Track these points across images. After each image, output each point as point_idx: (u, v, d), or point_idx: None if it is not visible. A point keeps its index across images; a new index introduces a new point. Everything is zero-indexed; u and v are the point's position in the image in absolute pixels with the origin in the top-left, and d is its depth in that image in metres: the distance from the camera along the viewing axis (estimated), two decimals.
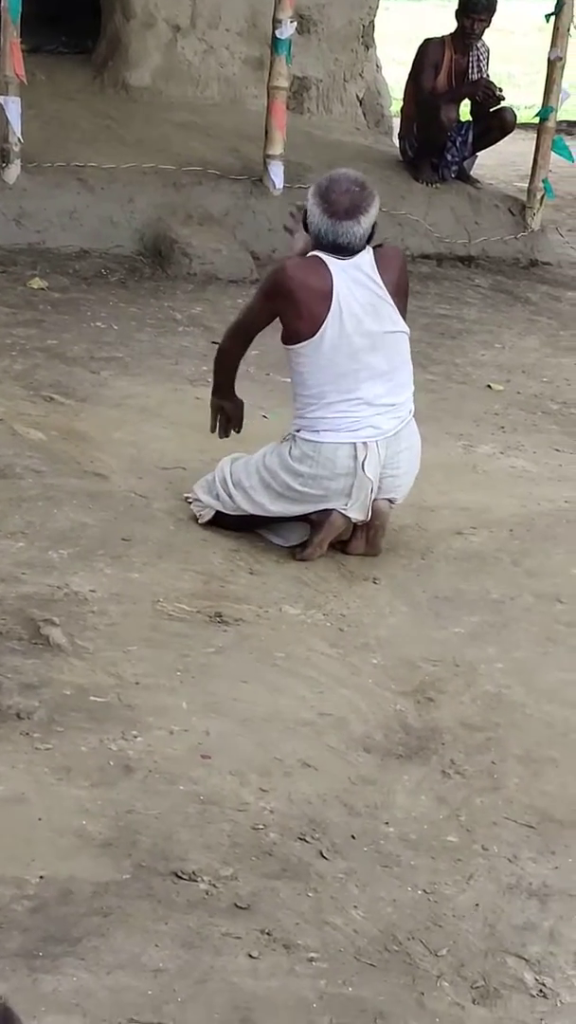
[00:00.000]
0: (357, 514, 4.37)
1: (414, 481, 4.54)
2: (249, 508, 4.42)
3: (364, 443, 4.30)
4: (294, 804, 3.12)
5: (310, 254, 4.30)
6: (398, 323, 4.36)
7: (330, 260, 4.26)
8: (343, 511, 4.35)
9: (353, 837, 3.03)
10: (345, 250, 4.26)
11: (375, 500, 4.39)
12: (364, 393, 4.31)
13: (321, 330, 4.25)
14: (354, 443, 4.30)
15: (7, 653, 3.57)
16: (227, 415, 4.71)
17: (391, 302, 4.32)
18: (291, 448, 4.36)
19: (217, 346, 4.78)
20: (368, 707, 3.59)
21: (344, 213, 4.21)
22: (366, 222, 4.24)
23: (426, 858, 2.99)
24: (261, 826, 3.02)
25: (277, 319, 4.39)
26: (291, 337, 4.32)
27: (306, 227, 4.33)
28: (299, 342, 4.30)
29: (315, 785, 3.21)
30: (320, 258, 4.27)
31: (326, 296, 4.24)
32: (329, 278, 4.24)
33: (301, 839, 2.99)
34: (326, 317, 4.24)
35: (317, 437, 4.31)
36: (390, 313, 4.33)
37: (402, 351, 4.40)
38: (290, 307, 4.28)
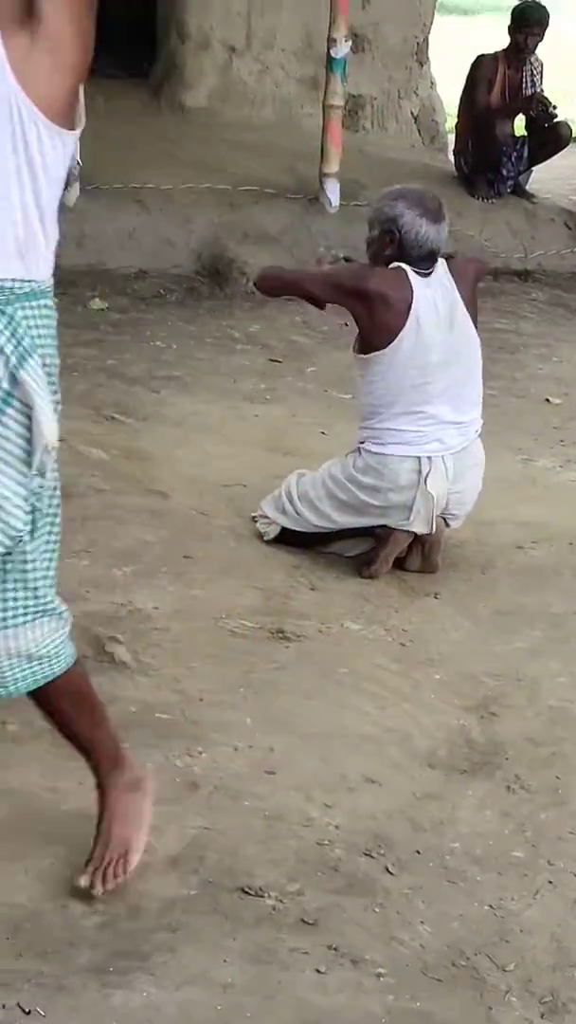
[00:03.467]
0: (420, 528, 4.36)
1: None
2: (315, 520, 4.42)
3: (429, 457, 4.30)
4: (359, 820, 3.13)
5: (393, 266, 4.30)
6: (472, 337, 4.40)
7: (412, 274, 4.28)
8: (405, 527, 4.35)
9: (418, 852, 3.03)
10: (432, 258, 4.31)
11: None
12: (432, 409, 4.31)
13: (396, 342, 4.26)
14: (419, 457, 4.30)
15: None
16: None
17: (466, 313, 4.36)
18: (355, 460, 4.37)
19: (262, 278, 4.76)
20: (431, 722, 3.59)
21: (439, 215, 4.30)
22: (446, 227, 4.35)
23: (492, 873, 2.99)
24: (326, 842, 3.03)
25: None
26: (365, 347, 4.35)
27: (388, 241, 4.30)
28: (372, 352, 4.31)
29: (380, 801, 3.21)
30: (404, 271, 4.28)
31: (405, 310, 4.25)
32: (410, 292, 4.26)
33: (367, 855, 3.00)
34: (403, 330, 4.25)
35: (382, 449, 4.32)
36: (465, 326, 4.36)
37: (474, 371, 4.43)
38: (367, 314, 4.30)
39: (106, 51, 10.13)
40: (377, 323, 4.29)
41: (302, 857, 2.97)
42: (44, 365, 2.45)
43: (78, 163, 7.71)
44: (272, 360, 6.64)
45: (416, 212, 4.26)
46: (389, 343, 4.27)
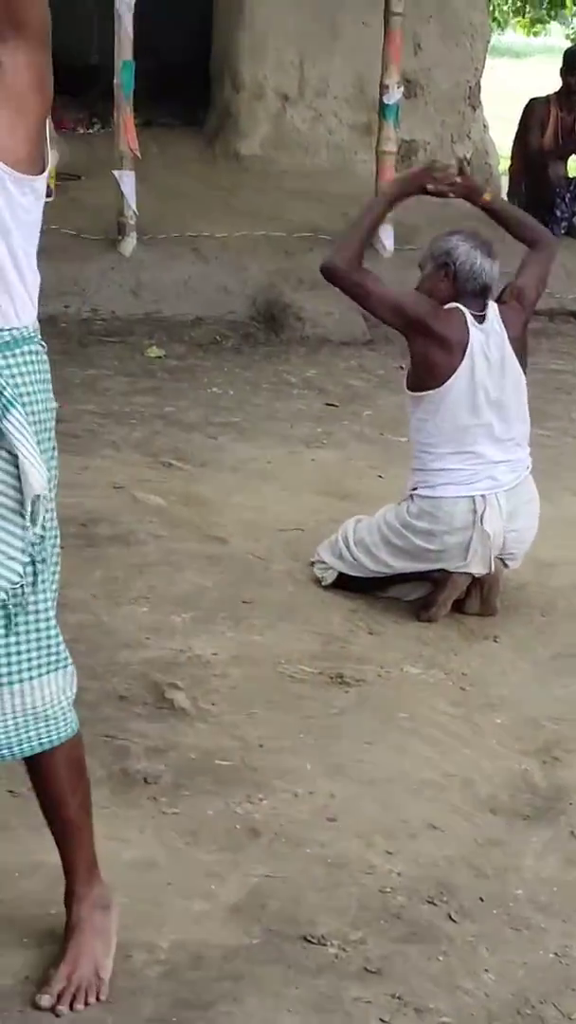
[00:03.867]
0: (478, 568, 4.35)
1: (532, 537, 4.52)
2: (372, 566, 4.42)
3: (483, 496, 4.29)
4: (421, 867, 3.10)
5: (451, 306, 4.31)
6: (520, 382, 4.41)
7: (468, 315, 4.29)
8: (463, 569, 4.33)
9: (482, 900, 3.00)
10: (484, 295, 4.31)
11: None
12: (480, 448, 4.32)
13: (450, 381, 4.27)
14: (472, 496, 4.30)
15: (133, 718, 3.62)
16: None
17: (515, 358, 4.37)
18: (409, 506, 4.37)
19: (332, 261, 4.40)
20: (493, 767, 3.56)
21: (492, 251, 4.32)
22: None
23: (557, 921, 2.95)
24: (389, 889, 3.01)
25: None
26: (417, 384, 4.36)
27: (443, 276, 4.31)
28: (424, 390, 4.33)
29: (442, 847, 3.19)
30: (463, 314, 4.29)
31: (460, 352, 4.27)
32: (467, 334, 4.28)
33: (429, 902, 2.97)
34: (457, 370, 4.27)
35: (434, 492, 4.32)
36: (514, 371, 4.37)
37: (522, 413, 4.43)
38: (423, 349, 4.32)
39: (161, 101, 10.34)
40: (431, 362, 4.31)
41: (364, 905, 2.95)
42: (32, 413, 2.40)
43: (134, 213, 7.81)
44: (328, 404, 6.66)
45: (470, 244, 4.30)
46: (443, 383, 4.29)
